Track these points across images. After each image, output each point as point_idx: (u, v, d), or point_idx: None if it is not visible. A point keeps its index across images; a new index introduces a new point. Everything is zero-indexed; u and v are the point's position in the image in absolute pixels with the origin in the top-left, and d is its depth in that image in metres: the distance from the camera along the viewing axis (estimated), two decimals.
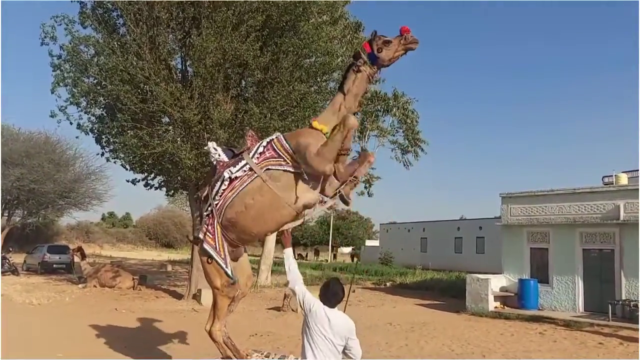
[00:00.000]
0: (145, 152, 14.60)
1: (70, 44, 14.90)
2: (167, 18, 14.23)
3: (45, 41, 15.14)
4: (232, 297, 6.32)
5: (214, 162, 6.31)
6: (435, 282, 24.30)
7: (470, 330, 13.03)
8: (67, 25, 14.97)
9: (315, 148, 5.41)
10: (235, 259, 6.29)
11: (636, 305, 13.50)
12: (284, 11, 14.51)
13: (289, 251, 5.12)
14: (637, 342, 11.35)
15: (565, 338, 12.13)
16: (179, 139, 15.05)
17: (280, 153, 5.69)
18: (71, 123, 15.90)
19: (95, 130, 16.43)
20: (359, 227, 61.53)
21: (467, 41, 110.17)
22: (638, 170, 17.00)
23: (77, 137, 35.21)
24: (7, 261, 23.90)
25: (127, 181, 17.71)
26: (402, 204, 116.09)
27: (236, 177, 5.88)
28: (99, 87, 15.15)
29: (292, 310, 14.53)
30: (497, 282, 16.74)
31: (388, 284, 25.96)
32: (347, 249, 60.75)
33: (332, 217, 50.06)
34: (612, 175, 17.20)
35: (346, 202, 5.88)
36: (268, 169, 5.72)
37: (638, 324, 12.58)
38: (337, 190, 5.77)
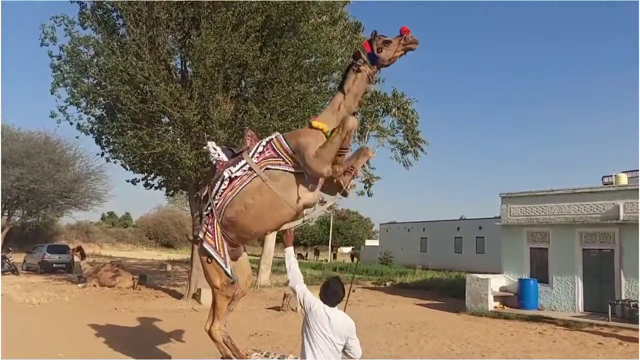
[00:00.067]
0: (145, 152, 14.60)
1: (70, 44, 14.91)
2: (166, 18, 14.23)
3: (45, 42, 15.14)
4: (232, 297, 6.34)
5: (214, 162, 6.32)
6: (435, 281, 24.32)
7: (470, 330, 13.04)
8: (66, 26, 14.98)
9: (314, 149, 5.42)
10: (234, 258, 6.30)
11: (636, 305, 13.51)
12: (284, 12, 14.52)
13: (290, 250, 5.13)
14: (637, 342, 11.36)
15: (564, 338, 12.14)
16: (178, 139, 15.06)
17: (279, 153, 5.70)
18: (71, 123, 15.93)
19: (95, 131, 16.43)
20: (359, 227, 61.56)
21: (467, 41, 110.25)
22: (638, 170, 17.01)
23: (77, 137, 35.33)
24: (7, 261, 23.91)
25: (127, 181, 17.74)
26: (402, 203, 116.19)
27: (236, 177, 5.89)
28: (98, 88, 15.16)
29: (292, 309, 14.54)
30: (497, 282, 16.75)
31: (388, 283, 25.97)
32: (347, 249, 60.78)
33: (332, 217, 50.05)
34: (611, 175, 17.21)
35: (344, 193, 5.89)
36: (267, 169, 5.73)
37: (637, 324, 12.59)
38: (337, 181, 5.78)
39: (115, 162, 16.86)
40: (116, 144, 15.86)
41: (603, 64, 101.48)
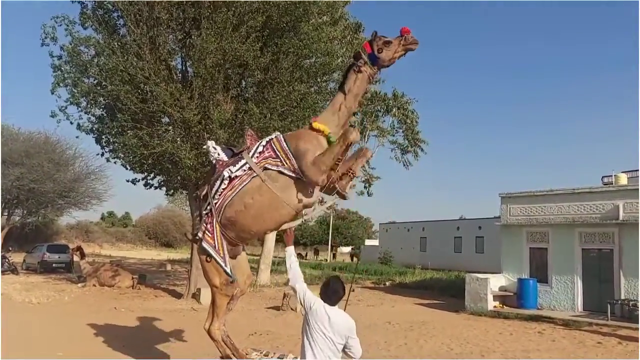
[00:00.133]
0: (145, 152, 14.61)
1: (71, 44, 14.92)
2: (167, 19, 14.24)
3: (45, 42, 15.16)
4: (231, 296, 6.35)
5: (214, 161, 6.33)
6: (435, 281, 24.33)
7: (469, 329, 13.05)
8: (67, 26, 14.99)
9: (312, 156, 5.44)
10: (233, 257, 6.31)
11: (635, 305, 13.53)
12: (284, 12, 14.52)
13: (290, 249, 5.13)
14: (636, 341, 11.37)
15: (564, 337, 12.16)
16: (178, 139, 15.06)
17: (278, 154, 5.72)
18: (71, 123, 15.94)
19: (95, 131, 16.44)
20: (359, 227, 61.60)
21: (467, 41, 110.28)
22: (637, 170, 17.02)
23: (77, 137, 35.35)
24: (7, 260, 23.92)
25: (127, 181, 17.74)
26: (401, 203, 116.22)
27: (236, 176, 5.90)
28: (99, 88, 15.16)
29: (292, 309, 14.55)
30: (497, 282, 16.77)
31: (387, 283, 25.98)
32: (347, 249, 60.80)
33: (331, 216, 50.06)
34: (611, 175, 17.22)
35: (343, 197, 5.90)
36: (266, 168, 5.75)
37: (637, 323, 12.61)
38: (334, 186, 5.79)
39: (115, 162, 16.90)
40: (116, 144, 15.87)
41: (603, 64, 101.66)
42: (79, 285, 19.24)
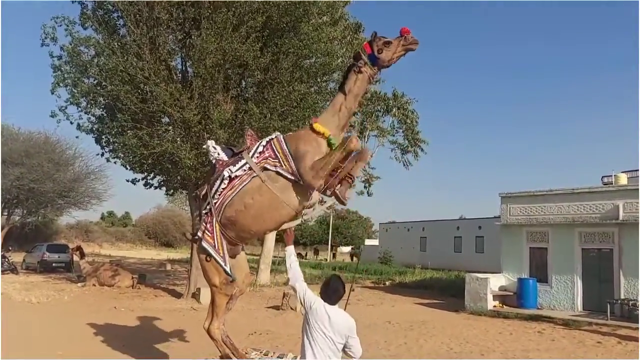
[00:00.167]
0: (145, 152, 14.61)
1: (71, 44, 14.92)
2: (167, 19, 14.24)
3: (45, 42, 15.15)
4: (230, 295, 6.36)
5: (213, 161, 6.34)
6: (435, 281, 24.35)
7: (469, 329, 13.06)
8: (67, 26, 14.98)
9: (311, 159, 5.45)
10: (233, 256, 6.31)
11: (635, 305, 13.54)
12: (285, 12, 14.52)
13: (290, 249, 5.12)
14: (636, 341, 11.38)
15: (563, 337, 12.17)
16: (178, 139, 15.07)
17: (277, 155, 5.72)
18: (71, 123, 15.94)
19: (95, 131, 16.44)
20: (359, 227, 61.60)
21: (467, 41, 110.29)
22: (637, 170, 17.02)
23: (77, 137, 35.34)
24: (7, 260, 23.92)
25: (127, 181, 17.74)
26: (401, 203, 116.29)
27: (236, 176, 5.91)
28: (99, 88, 15.17)
29: (291, 309, 14.56)
30: (496, 282, 16.78)
31: (387, 283, 25.99)
32: (347, 248, 60.81)
33: (331, 216, 50.06)
34: (611, 175, 17.23)
35: (343, 202, 5.91)
36: (265, 169, 5.75)
37: (636, 323, 12.62)
38: (334, 191, 5.80)
39: (115, 163, 16.91)
40: (116, 144, 15.87)
41: (603, 64, 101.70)
42: (79, 284, 19.24)
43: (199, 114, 14.37)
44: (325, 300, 4.33)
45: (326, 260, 48.62)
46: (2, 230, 31.21)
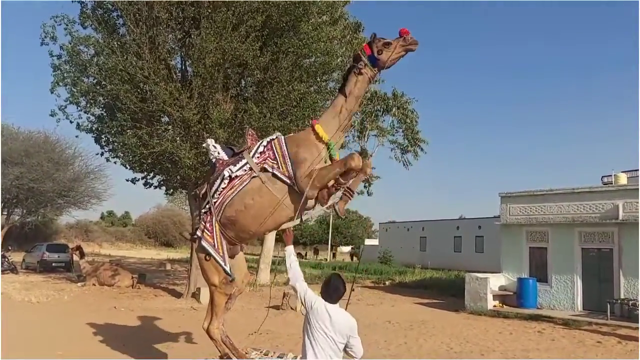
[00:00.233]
0: (144, 151, 14.61)
1: (70, 44, 14.91)
2: (166, 18, 14.22)
3: (45, 41, 15.14)
4: (229, 295, 6.35)
5: (213, 160, 6.33)
6: (435, 281, 24.35)
7: (469, 328, 13.05)
8: (67, 25, 14.98)
9: (310, 167, 5.46)
10: (232, 256, 6.31)
11: (634, 304, 13.54)
12: (284, 11, 14.51)
13: (290, 249, 5.11)
14: (636, 340, 11.38)
15: (563, 337, 12.16)
16: (178, 138, 15.06)
17: (277, 156, 5.73)
18: (71, 122, 15.94)
19: (95, 130, 16.44)
20: (359, 226, 61.59)
21: (467, 41, 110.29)
22: (637, 170, 17.02)
23: (76, 137, 35.28)
24: (7, 259, 23.91)
25: (127, 180, 17.73)
26: (401, 203, 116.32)
27: (236, 176, 5.91)
28: (98, 87, 15.16)
29: (292, 308, 14.57)
30: (496, 281, 16.78)
31: (387, 282, 25.98)
32: (347, 248, 60.80)
33: (331, 216, 50.02)
34: (611, 175, 17.23)
35: (340, 216, 5.93)
36: (264, 169, 5.76)
37: (636, 322, 12.62)
38: (333, 205, 5.83)
39: (115, 163, 16.90)
40: (116, 143, 15.87)
41: (603, 64, 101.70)
42: (79, 284, 19.24)
43: (198, 114, 14.37)
44: (326, 299, 4.32)
45: (326, 260, 48.62)
46: (1, 229, 31.20)
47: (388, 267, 33.40)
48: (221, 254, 6.02)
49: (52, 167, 29.48)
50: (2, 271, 21.72)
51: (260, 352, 6.78)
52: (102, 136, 16.54)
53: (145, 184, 17.72)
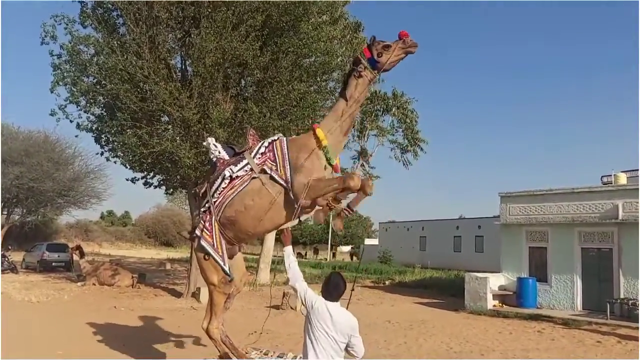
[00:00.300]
0: (144, 151, 14.60)
1: (70, 43, 14.91)
2: (166, 17, 14.22)
3: (45, 40, 15.14)
4: (228, 294, 6.36)
5: (214, 159, 6.34)
6: (434, 280, 24.35)
7: (469, 328, 13.06)
8: (67, 24, 14.98)
9: (308, 175, 5.50)
10: (230, 256, 6.32)
11: (634, 304, 13.55)
12: (284, 11, 14.51)
13: (289, 249, 5.11)
14: (635, 340, 11.38)
15: (563, 336, 12.17)
16: (178, 138, 15.06)
17: (277, 159, 5.76)
18: (71, 122, 15.92)
19: (95, 130, 16.44)
20: (358, 226, 61.58)
21: (467, 41, 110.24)
22: (637, 170, 17.02)
23: (76, 136, 35.34)
24: (6, 259, 23.91)
25: (127, 179, 17.73)
26: (401, 203, 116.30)
27: (237, 176, 5.92)
28: (98, 86, 15.16)
29: (291, 308, 14.57)
30: (496, 281, 16.78)
31: (387, 282, 25.99)
32: (347, 248, 60.79)
33: (331, 216, 50.00)
34: (610, 175, 17.22)
35: (337, 232, 5.99)
36: (264, 171, 5.78)
37: (636, 322, 12.62)
38: (332, 223, 5.91)
39: (115, 162, 16.90)
40: (115, 143, 15.86)
41: (603, 64, 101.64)
42: (79, 284, 19.24)
43: (198, 113, 14.37)
44: (326, 297, 4.31)
45: (326, 259, 48.62)
46: (1, 229, 31.21)
47: (388, 267, 33.41)
48: (220, 253, 6.03)
49: (52, 166, 29.49)
50: (2, 271, 21.72)
51: (260, 352, 6.78)
52: (102, 136, 16.54)
53: (145, 184, 17.72)
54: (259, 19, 14.25)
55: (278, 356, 6.64)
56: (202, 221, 6.19)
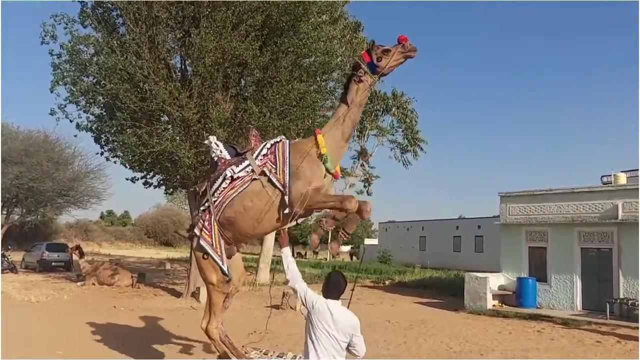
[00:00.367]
0: (144, 150, 14.60)
1: (70, 43, 14.91)
2: (166, 17, 14.22)
3: (45, 40, 15.14)
4: (227, 293, 6.37)
5: (215, 158, 6.35)
6: (434, 280, 24.35)
7: (469, 328, 13.06)
8: (66, 24, 14.98)
9: (306, 184, 5.53)
10: (228, 256, 6.33)
11: (634, 304, 13.55)
12: (284, 11, 14.51)
13: (286, 250, 5.11)
14: (635, 340, 11.38)
15: (562, 336, 12.17)
16: (178, 137, 15.05)
17: (277, 161, 5.77)
18: (71, 121, 15.93)
19: (95, 129, 16.44)
20: (358, 226, 61.36)
21: (467, 41, 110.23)
22: (637, 169, 17.02)
23: (75, 136, 35.37)
24: (6, 259, 23.92)
25: (127, 179, 17.73)
26: (401, 202, 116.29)
27: (238, 177, 5.93)
28: (98, 86, 15.16)
29: (291, 308, 14.56)
30: (496, 281, 16.78)
31: (387, 282, 25.99)
32: (346, 248, 60.73)
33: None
34: (610, 175, 17.21)
35: (333, 255, 6.02)
36: (264, 173, 5.79)
37: (636, 322, 12.63)
38: (329, 248, 5.96)
39: (115, 162, 16.89)
40: (115, 143, 15.86)
41: (603, 64, 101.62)
42: (78, 284, 19.24)
43: (198, 113, 14.37)
44: (327, 295, 4.29)
45: (326, 259, 48.62)
46: (1, 229, 31.21)
47: (388, 267, 33.40)
48: (219, 253, 6.05)
49: (52, 166, 29.49)
50: (1, 270, 21.72)
51: (260, 352, 6.79)
52: (102, 135, 16.54)
53: (144, 184, 17.72)
54: (258, 18, 14.25)
55: (278, 356, 6.65)
56: (201, 220, 6.19)
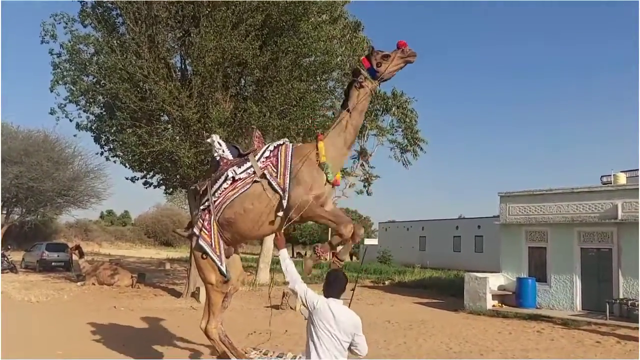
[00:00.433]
0: (144, 150, 14.60)
1: (70, 42, 14.92)
2: (166, 17, 14.23)
3: (45, 39, 15.14)
4: (226, 293, 6.37)
5: (217, 157, 6.34)
6: (434, 280, 24.35)
7: (468, 328, 13.06)
8: (66, 23, 15.01)
9: (305, 192, 5.53)
10: (227, 256, 6.33)
11: (633, 304, 13.54)
12: (284, 10, 14.52)
13: (283, 252, 5.06)
14: (635, 340, 11.38)
15: (562, 337, 12.17)
16: (177, 137, 15.06)
17: (279, 164, 5.78)
18: (70, 121, 15.95)
19: (94, 129, 16.44)
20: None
21: (467, 41, 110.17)
22: (636, 170, 17.02)
23: (74, 136, 35.35)
24: (6, 259, 23.92)
25: (127, 179, 17.73)
26: (401, 202, 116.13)
27: (239, 178, 5.93)
28: (98, 86, 15.17)
29: (291, 308, 14.56)
30: (496, 281, 16.78)
31: (387, 282, 25.99)
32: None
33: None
34: (610, 175, 17.21)
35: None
36: (264, 175, 5.80)
37: (635, 322, 12.62)
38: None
39: (114, 162, 16.89)
40: (115, 142, 15.87)
41: (603, 64, 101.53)
42: (78, 284, 19.24)
43: (198, 113, 14.37)
44: (328, 294, 4.27)
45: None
46: (1, 228, 31.21)
47: (387, 267, 33.41)
48: (218, 253, 6.05)
49: (52, 166, 29.50)
50: (1, 270, 21.72)
51: (260, 352, 6.78)
52: (102, 135, 16.55)
53: (144, 183, 17.73)
54: (258, 18, 14.25)
55: (277, 356, 6.64)
56: (201, 220, 6.19)
